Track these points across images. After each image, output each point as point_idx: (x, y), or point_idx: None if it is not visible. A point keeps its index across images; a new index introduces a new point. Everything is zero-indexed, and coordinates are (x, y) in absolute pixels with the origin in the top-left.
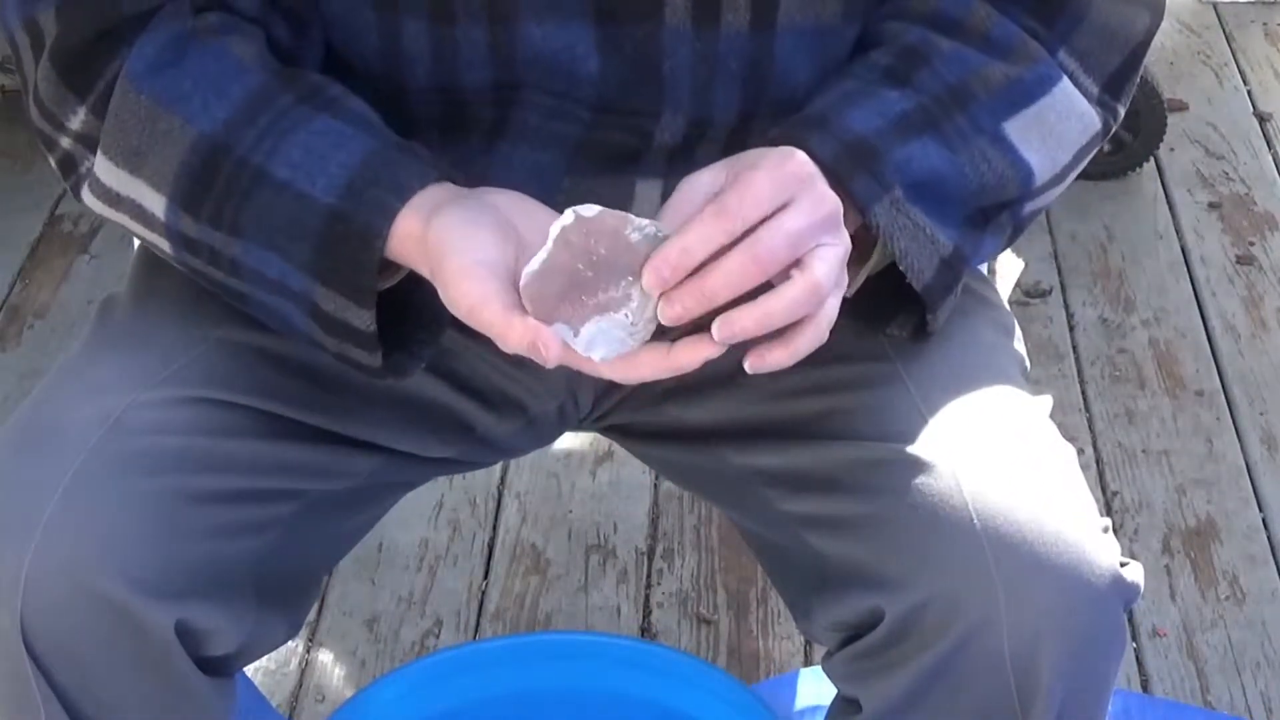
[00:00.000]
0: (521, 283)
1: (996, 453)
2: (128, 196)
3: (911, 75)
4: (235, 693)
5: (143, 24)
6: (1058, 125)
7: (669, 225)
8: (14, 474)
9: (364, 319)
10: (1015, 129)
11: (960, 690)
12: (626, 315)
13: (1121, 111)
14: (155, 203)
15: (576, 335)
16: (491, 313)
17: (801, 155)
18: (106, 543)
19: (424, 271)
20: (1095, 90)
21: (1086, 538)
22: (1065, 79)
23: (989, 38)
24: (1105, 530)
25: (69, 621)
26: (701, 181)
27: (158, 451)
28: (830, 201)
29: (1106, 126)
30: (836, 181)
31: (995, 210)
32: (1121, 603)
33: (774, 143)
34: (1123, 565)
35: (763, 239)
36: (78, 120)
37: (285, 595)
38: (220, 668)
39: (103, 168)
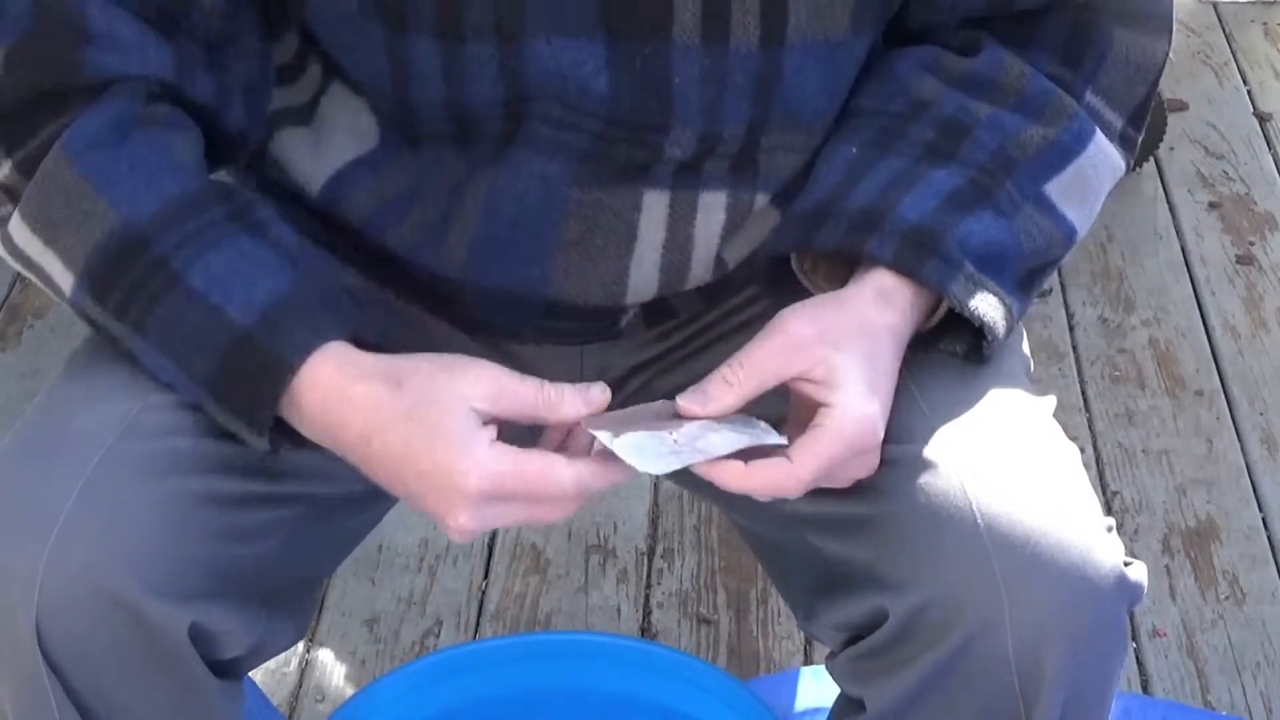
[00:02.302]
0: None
1: (1000, 453)
2: (38, 263)
3: (955, 149)
4: (244, 695)
5: (91, 96)
6: (1094, 179)
7: (747, 373)
8: (29, 476)
9: (257, 443)
10: (1056, 190)
11: (964, 690)
12: (670, 434)
13: (1139, 141)
14: (63, 278)
15: (616, 438)
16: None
17: (875, 425)
18: (122, 545)
19: (335, 425)
20: (1120, 124)
21: (1090, 538)
22: (1098, 131)
23: (1024, 95)
24: (1109, 530)
25: (84, 624)
26: (791, 340)
27: (171, 454)
28: (872, 469)
29: (1128, 164)
30: (905, 276)
31: (1040, 270)
32: (1125, 603)
33: (837, 253)
34: (1126, 565)
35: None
36: (1, 173)
37: (293, 597)
38: (231, 670)
39: (17, 228)
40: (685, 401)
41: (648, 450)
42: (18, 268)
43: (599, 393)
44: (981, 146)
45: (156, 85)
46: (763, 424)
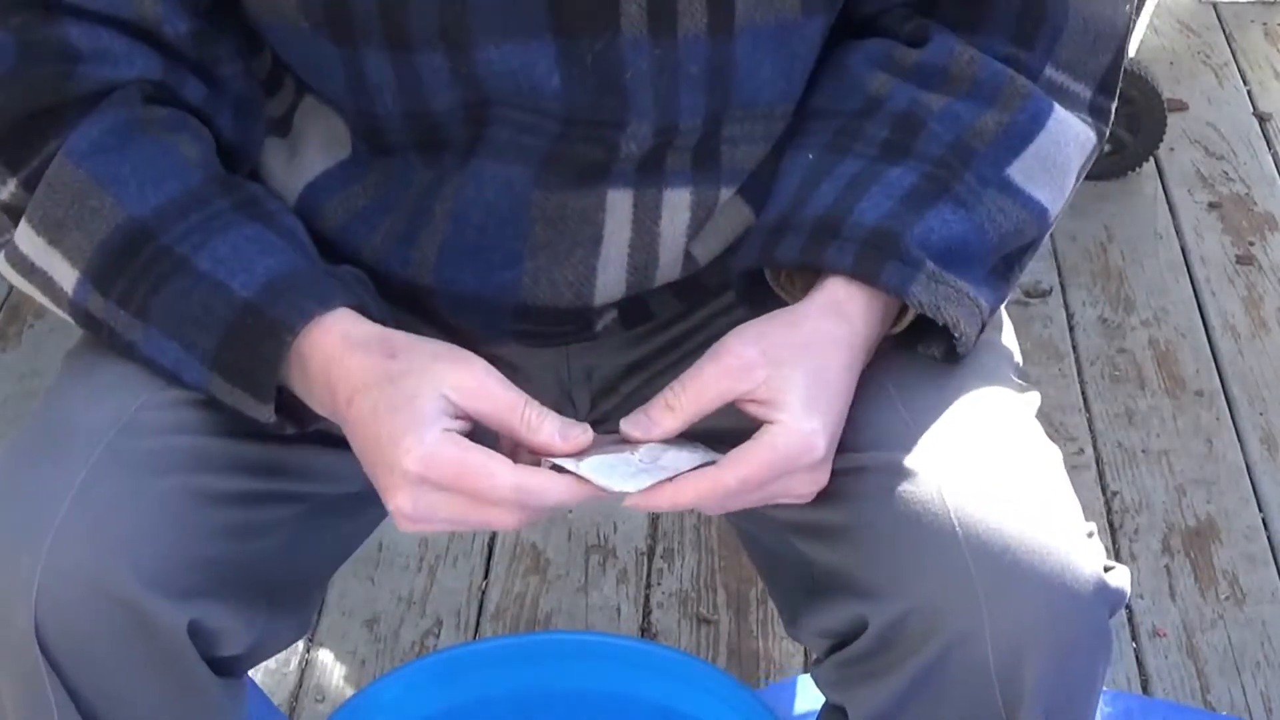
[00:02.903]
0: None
1: (979, 459)
2: (40, 267)
3: (910, 145)
4: (245, 693)
5: (89, 106)
6: (1058, 156)
7: (689, 396)
8: (28, 474)
9: (262, 412)
10: (1019, 172)
11: (945, 699)
12: (633, 454)
13: (1113, 108)
14: (67, 277)
15: (581, 462)
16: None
17: (813, 441)
18: (121, 543)
19: (329, 385)
20: (1088, 95)
21: (1069, 544)
22: (1056, 107)
23: (976, 81)
24: (1090, 535)
25: (83, 622)
26: (734, 362)
27: (169, 452)
28: (819, 485)
29: (1100, 135)
30: (865, 282)
31: (1018, 255)
32: (1106, 608)
33: (797, 264)
34: (1108, 570)
35: (742, 500)
36: (5, 192)
37: (293, 596)
38: (231, 668)
39: (23, 234)
40: (628, 426)
41: (617, 471)
42: (17, 282)
43: (579, 434)
44: (936, 140)
45: (151, 87)
46: (703, 446)
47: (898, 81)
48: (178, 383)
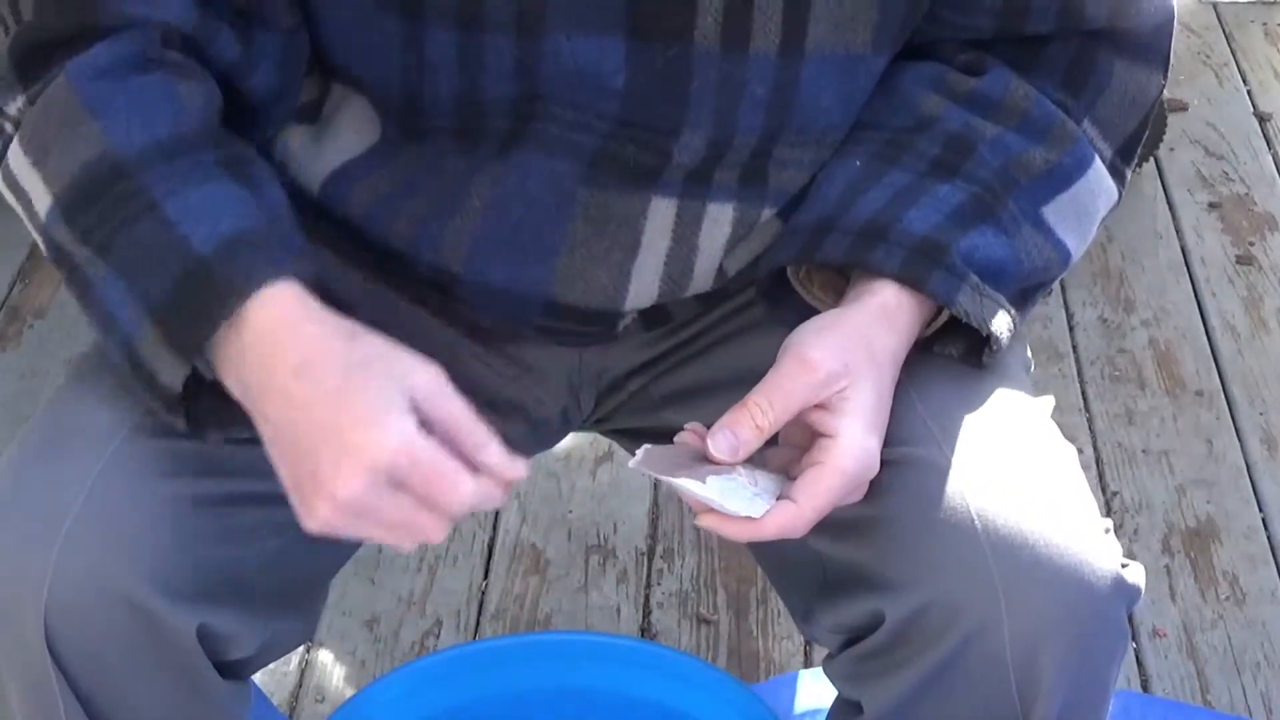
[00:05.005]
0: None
1: (998, 455)
2: (24, 187)
3: (959, 165)
4: (250, 695)
5: (108, 35)
6: (1090, 205)
7: (776, 413)
8: (37, 478)
9: (174, 376)
10: (1053, 213)
11: (961, 693)
12: (742, 475)
13: (1129, 175)
14: (42, 200)
15: (705, 483)
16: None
17: (874, 459)
18: (131, 546)
19: (261, 362)
20: (1109, 155)
21: (1087, 540)
22: (1097, 158)
23: (1029, 116)
24: (1106, 532)
25: (92, 625)
26: (819, 376)
27: (177, 455)
28: (860, 496)
29: (1119, 195)
30: (911, 287)
31: (1034, 291)
32: (1123, 604)
33: (845, 262)
34: (1124, 567)
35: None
36: (14, 108)
37: (300, 597)
38: (238, 670)
39: (14, 152)
40: (718, 451)
41: (738, 495)
42: (9, 198)
43: (522, 469)
44: (985, 164)
45: (175, 34)
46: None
47: (950, 104)
48: (110, 329)
